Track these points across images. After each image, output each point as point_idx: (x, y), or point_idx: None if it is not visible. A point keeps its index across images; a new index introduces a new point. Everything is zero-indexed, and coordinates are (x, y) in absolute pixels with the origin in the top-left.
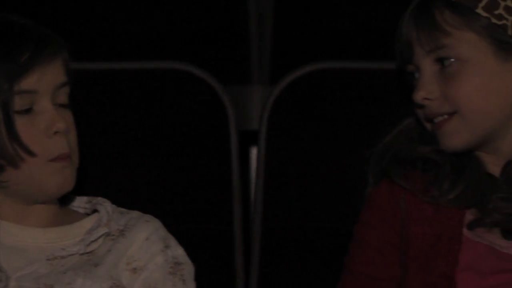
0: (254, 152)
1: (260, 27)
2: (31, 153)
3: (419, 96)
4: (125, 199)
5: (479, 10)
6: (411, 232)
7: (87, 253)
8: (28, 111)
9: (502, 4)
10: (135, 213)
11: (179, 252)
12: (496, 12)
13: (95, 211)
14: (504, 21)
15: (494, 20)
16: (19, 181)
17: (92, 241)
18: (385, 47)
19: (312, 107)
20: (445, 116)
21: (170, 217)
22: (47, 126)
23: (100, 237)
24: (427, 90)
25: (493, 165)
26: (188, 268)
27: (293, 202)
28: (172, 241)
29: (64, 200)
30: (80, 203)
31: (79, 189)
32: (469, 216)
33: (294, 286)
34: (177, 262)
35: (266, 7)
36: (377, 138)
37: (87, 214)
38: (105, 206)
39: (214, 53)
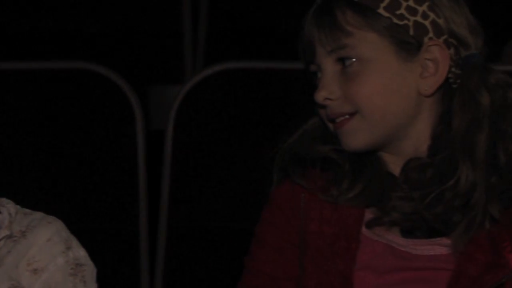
0: None
1: (195, 27)
2: None
3: (320, 96)
4: (29, 199)
5: (381, 10)
6: (310, 231)
7: None
8: None
9: (404, 4)
10: (38, 214)
11: (80, 253)
12: (398, 12)
13: None
14: (405, 21)
15: (395, 20)
16: None
17: None
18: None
19: (219, 106)
20: (347, 116)
21: (76, 217)
22: None
23: (1, 239)
24: (328, 90)
25: (394, 165)
26: (90, 270)
27: (199, 202)
28: (74, 243)
29: None
30: None
31: None
32: (369, 215)
33: (199, 285)
34: (78, 264)
35: (201, 7)
36: (283, 138)
37: None
38: (8, 207)
39: (147, 54)
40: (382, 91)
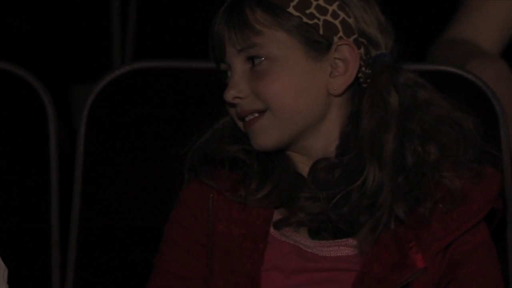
0: None
1: (123, 25)
2: None
3: (229, 95)
4: None
5: (291, 9)
6: (217, 231)
7: None
8: None
9: (314, 3)
10: None
11: None
12: (308, 11)
13: None
14: (315, 21)
15: (305, 20)
16: None
17: None
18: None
19: (131, 106)
20: (256, 115)
21: None
22: None
23: None
24: (238, 89)
25: (303, 165)
26: (1, 271)
27: (110, 202)
28: None
29: None
30: None
31: None
32: (277, 215)
33: (110, 285)
34: None
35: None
36: (194, 138)
37: None
38: None
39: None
40: (291, 90)
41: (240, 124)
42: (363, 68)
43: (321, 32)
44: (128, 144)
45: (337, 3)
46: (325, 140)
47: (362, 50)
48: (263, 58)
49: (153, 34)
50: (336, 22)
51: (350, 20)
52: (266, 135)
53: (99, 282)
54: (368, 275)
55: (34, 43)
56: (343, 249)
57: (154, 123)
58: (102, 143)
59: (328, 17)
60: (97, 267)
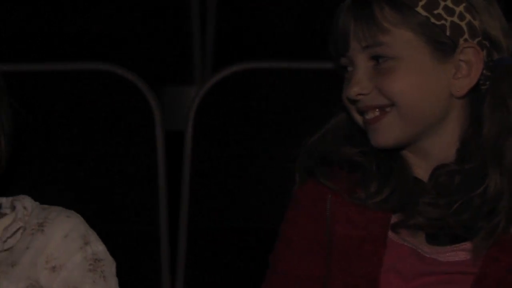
0: None
1: (203, 28)
2: None
3: (353, 92)
4: (51, 201)
5: (419, 9)
6: (336, 232)
7: (5, 250)
8: None
9: (442, 4)
10: (57, 208)
11: (99, 248)
12: (436, 11)
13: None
14: (443, 21)
15: (433, 20)
16: None
17: (9, 237)
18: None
19: (238, 107)
20: (377, 112)
21: (96, 219)
22: None
23: (16, 232)
24: (361, 86)
25: (420, 169)
26: (109, 264)
27: (219, 203)
28: (93, 237)
29: None
30: (6, 203)
31: (7, 190)
32: (394, 219)
33: (220, 286)
34: (97, 259)
35: (210, 8)
36: (304, 138)
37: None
38: (23, 201)
39: (155, 54)
40: (416, 89)
41: (359, 118)
42: (484, 71)
43: (447, 33)
44: (235, 145)
45: (463, 4)
46: (444, 143)
47: (484, 52)
48: (388, 57)
49: (232, 34)
50: (463, 24)
51: (476, 22)
52: (388, 133)
53: (209, 283)
54: (487, 277)
55: (112, 44)
56: (460, 253)
57: (260, 124)
58: (209, 144)
59: (455, 19)
60: (207, 268)
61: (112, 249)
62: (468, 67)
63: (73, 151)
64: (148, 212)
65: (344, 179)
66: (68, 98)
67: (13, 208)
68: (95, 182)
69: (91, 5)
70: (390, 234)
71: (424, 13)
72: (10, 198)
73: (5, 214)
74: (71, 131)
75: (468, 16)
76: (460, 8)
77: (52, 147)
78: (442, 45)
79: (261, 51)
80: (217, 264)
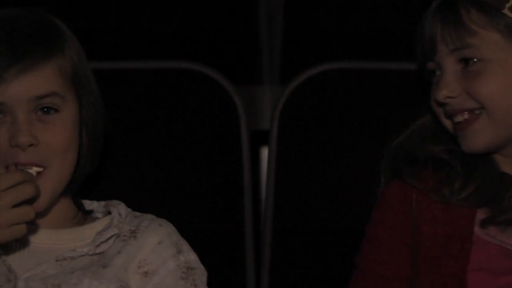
0: (264, 152)
1: (271, 27)
2: None
3: (441, 95)
4: (136, 200)
5: (506, 11)
6: (422, 232)
7: (97, 254)
8: None
9: None
10: (149, 216)
11: (191, 257)
12: None
13: (109, 213)
14: None
15: None
16: None
17: (102, 242)
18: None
19: (324, 106)
20: (466, 115)
21: (181, 217)
22: (9, 138)
23: (110, 238)
24: (450, 89)
25: (506, 165)
26: (200, 273)
27: (304, 202)
28: (185, 246)
29: (81, 204)
30: (98, 207)
31: (91, 191)
32: (480, 215)
33: (305, 285)
34: (189, 267)
35: (276, 7)
36: (389, 138)
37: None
38: (118, 208)
39: (223, 53)
40: (505, 92)
41: (447, 123)
42: None
43: None
44: (319, 145)
45: None
46: None
47: None
48: (476, 60)
49: (300, 34)
50: None
51: None
52: (479, 137)
53: (294, 283)
54: None
55: (182, 44)
56: None
57: (346, 124)
58: (294, 144)
59: None
60: (292, 268)
61: (198, 248)
62: None
63: (159, 150)
64: (233, 211)
65: (429, 178)
66: (151, 97)
67: (106, 213)
68: (180, 181)
69: (164, 5)
70: (476, 230)
71: (511, 14)
72: (102, 203)
73: (97, 218)
74: (157, 130)
75: None
76: None
77: (137, 147)
78: None
79: (328, 52)
80: (302, 264)
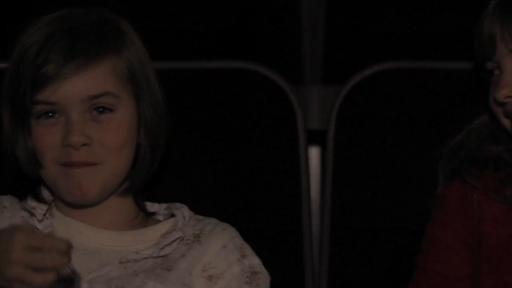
0: (312, 151)
1: (313, 27)
2: (42, 158)
3: (502, 94)
4: (195, 200)
5: None
6: (484, 232)
7: (161, 256)
8: (48, 118)
9: None
10: (212, 220)
11: (255, 261)
12: None
13: (172, 216)
14: None
15: None
16: (48, 182)
17: (166, 245)
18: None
19: (381, 106)
20: None
21: (239, 217)
22: (62, 137)
23: (174, 241)
24: (510, 89)
25: None
26: (264, 278)
27: (361, 202)
28: (248, 250)
29: (144, 206)
30: (160, 209)
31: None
32: None
33: (364, 285)
34: (253, 272)
35: (319, 7)
36: (447, 138)
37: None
38: (182, 211)
39: (265, 53)
40: None
41: (506, 122)
42: None
43: None
44: (377, 145)
45: None
46: None
47: None
48: None
49: (343, 34)
50: None
51: None
52: None
53: (353, 282)
54: None
55: (224, 43)
56: None
57: (403, 124)
58: (351, 143)
59: None
60: (350, 268)
61: (256, 247)
62: None
63: (216, 150)
64: (291, 211)
65: (489, 178)
66: (206, 96)
67: (168, 215)
68: (238, 181)
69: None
70: None
71: None
72: (164, 205)
73: (159, 221)
74: (214, 130)
75: None
76: None
77: (195, 147)
78: None
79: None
80: (361, 264)
